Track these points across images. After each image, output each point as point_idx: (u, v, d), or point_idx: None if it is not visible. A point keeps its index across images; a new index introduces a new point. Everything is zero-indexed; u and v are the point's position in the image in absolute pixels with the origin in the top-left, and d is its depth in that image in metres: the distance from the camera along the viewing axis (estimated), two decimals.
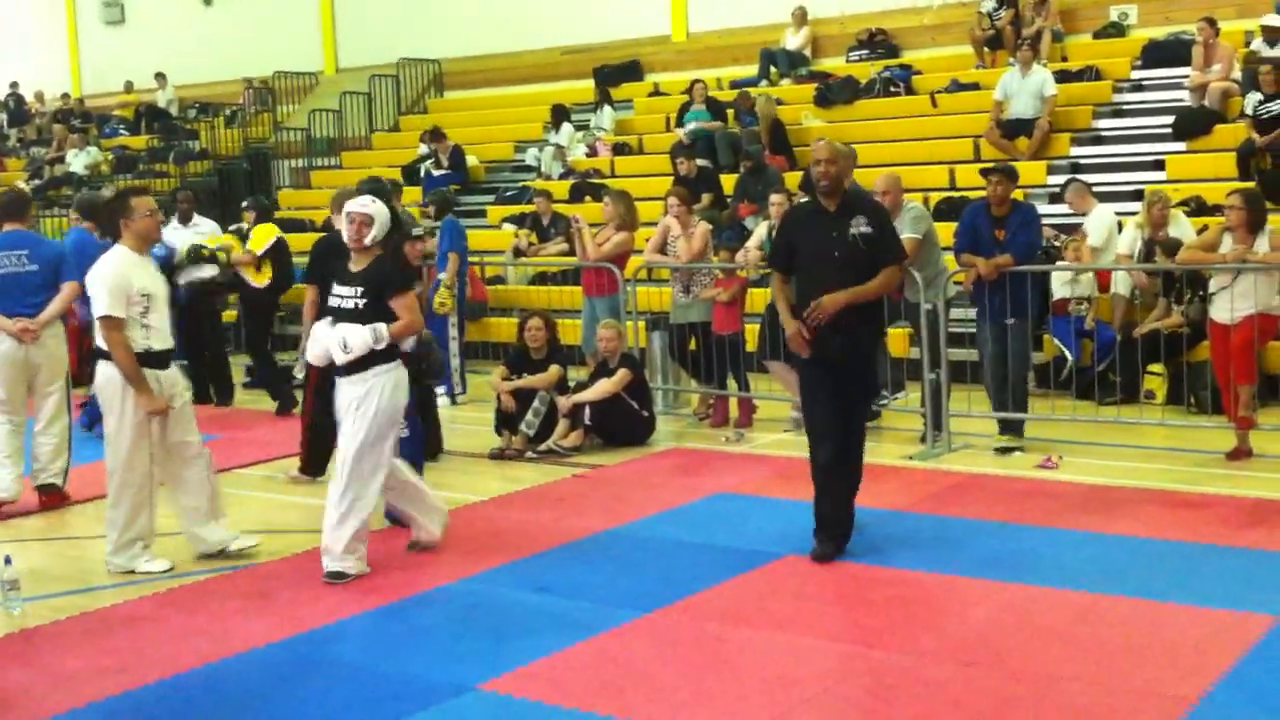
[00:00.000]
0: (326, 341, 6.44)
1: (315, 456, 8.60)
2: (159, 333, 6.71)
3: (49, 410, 8.18)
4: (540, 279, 14.22)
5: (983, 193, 9.24)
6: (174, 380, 6.86)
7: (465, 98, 21.10)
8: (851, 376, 6.57)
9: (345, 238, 6.45)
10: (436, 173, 17.20)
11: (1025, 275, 8.88)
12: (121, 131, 24.04)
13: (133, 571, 6.77)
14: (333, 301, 6.48)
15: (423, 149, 18.06)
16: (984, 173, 9.26)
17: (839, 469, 6.56)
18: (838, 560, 6.48)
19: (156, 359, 6.68)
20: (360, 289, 6.39)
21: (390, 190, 9.19)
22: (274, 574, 6.70)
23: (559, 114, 17.53)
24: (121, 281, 6.58)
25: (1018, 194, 9.40)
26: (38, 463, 8.23)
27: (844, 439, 6.56)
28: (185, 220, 12.14)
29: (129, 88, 25.27)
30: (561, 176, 16.70)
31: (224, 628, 5.90)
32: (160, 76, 24.15)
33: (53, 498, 8.25)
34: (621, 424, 9.58)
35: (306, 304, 8.41)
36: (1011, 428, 9.06)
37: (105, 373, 6.66)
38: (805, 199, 12.03)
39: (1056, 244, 11.11)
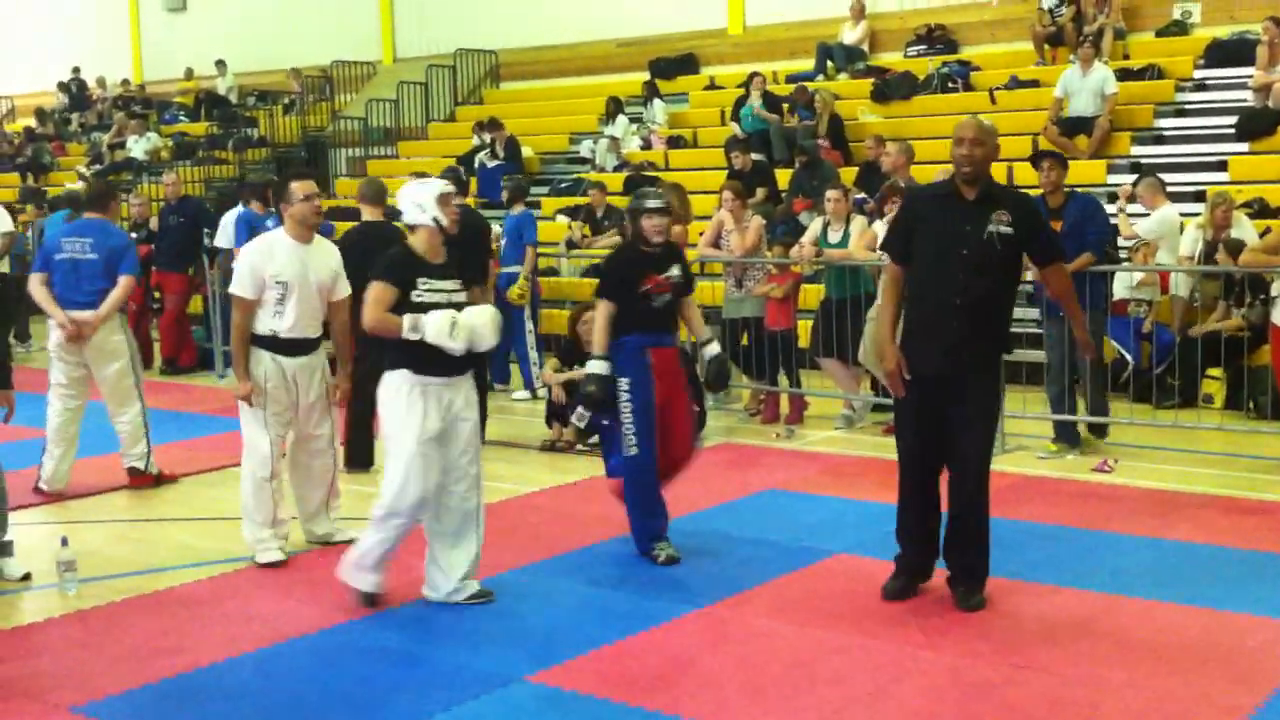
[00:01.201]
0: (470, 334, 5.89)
1: (361, 447, 8.67)
2: (292, 320, 6.61)
3: (117, 396, 8.25)
4: (593, 271, 14.21)
5: (1039, 190, 9.12)
6: (305, 370, 6.73)
7: (521, 89, 21.16)
8: (959, 400, 5.64)
9: (447, 224, 5.92)
10: (491, 164, 17.26)
11: (1087, 272, 8.72)
12: (181, 118, 24.31)
13: (253, 558, 6.71)
14: (438, 298, 5.85)
15: (478, 139, 18.12)
16: (1034, 159, 9.11)
17: (920, 506, 5.85)
18: (888, 559, 6.34)
19: (281, 345, 6.63)
20: (459, 281, 6.03)
21: (466, 180, 9.44)
22: (328, 561, 6.74)
23: (614, 106, 17.54)
24: (256, 264, 6.58)
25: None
26: (122, 445, 8.39)
27: (931, 473, 5.82)
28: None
29: (189, 74, 25.52)
30: (616, 169, 16.70)
31: (278, 612, 5.96)
32: (220, 64, 24.40)
33: (138, 479, 8.38)
34: None
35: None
36: (1065, 436, 8.94)
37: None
38: (859, 194, 12.04)
39: (1126, 247, 10.95)
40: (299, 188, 6.65)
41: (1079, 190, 9.32)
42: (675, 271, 6.62)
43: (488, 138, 17.73)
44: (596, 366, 6.55)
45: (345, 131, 21.27)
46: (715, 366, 6.86)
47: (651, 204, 6.59)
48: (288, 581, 6.40)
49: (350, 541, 6.80)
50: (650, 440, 6.52)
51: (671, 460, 6.70)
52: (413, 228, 5.97)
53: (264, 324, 6.61)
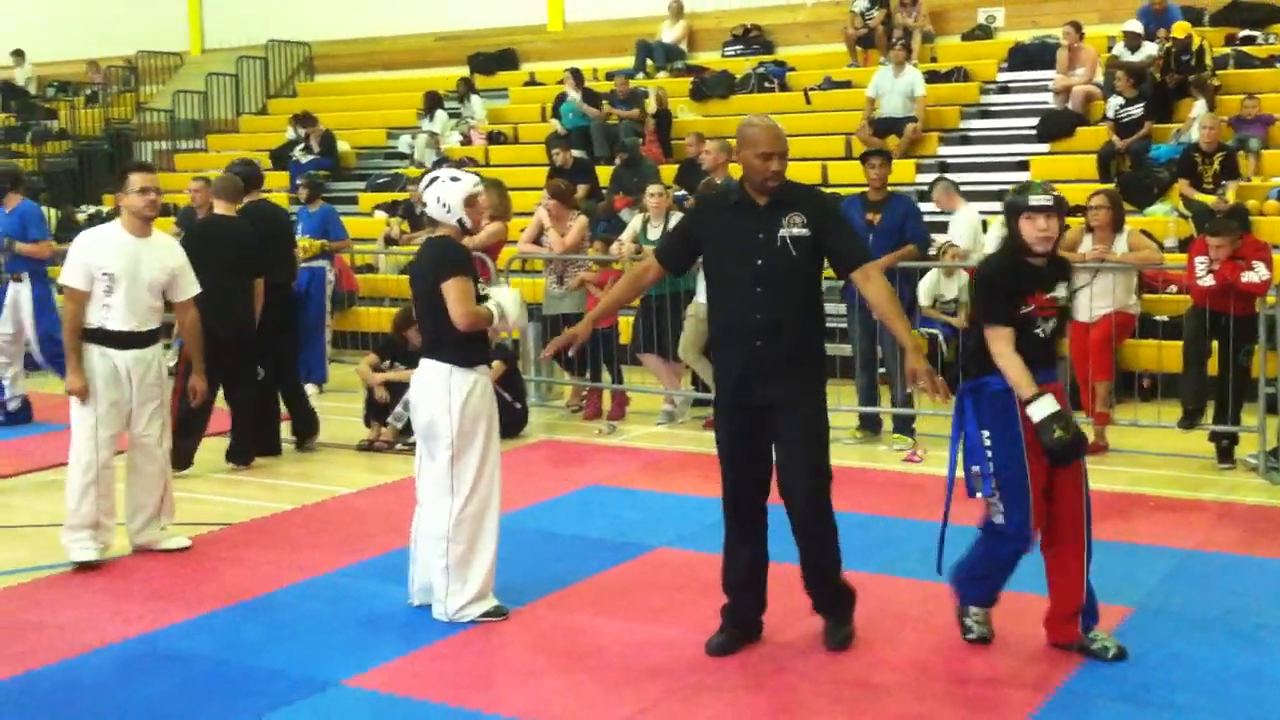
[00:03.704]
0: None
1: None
2: (120, 313, 6.43)
3: None
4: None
5: (857, 189, 9.32)
6: (139, 364, 6.51)
7: (337, 82, 20.77)
8: (780, 434, 5.09)
9: (471, 226, 5.74)
10: (306, 158, 16.89)
11: (897, 270, 8.92)
12: None
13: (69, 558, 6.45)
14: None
15: (292, 133, 17.70)
16: (863, 157, 9.39)
17: (745, 553, 5.27)
18: (709, 551, 6.13)
19: (109, 338, 6.44)
20: None
21: (262, 174, 9.33)
22: (133, 569, 6.50)
23: (432, 101, 17.34)
24: (85, 256, 6.44)
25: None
26: None
27: (756, 510, 5.24)
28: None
29: None
30: (435, 164, 16.49)
31: (81, 623, 5.71)
32: (18, 54, 23.29)
33: None
34: None
35: None
36: (869, 424, 9.25)
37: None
38: (679, 191, 12.14)
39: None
40: (135, 179, 6.50)
41: (900, 195, 9.55)
42: (1062, 291, 5.15)
43: (303, 132, 17.35)
44: (1046, 406, 4.92)
45: (151, 124, 20.55)
46: (1051, 439, 4.93)
47: (1037, 200, 4.99)
48: (91, 591, 6.14)
49: (179, 549, 6.59)
50: (1024, 512, 5.05)
51: (1055, 539, 5.17)
52: (435, 223, 5.79)
53: (93, 317, 6.45)
